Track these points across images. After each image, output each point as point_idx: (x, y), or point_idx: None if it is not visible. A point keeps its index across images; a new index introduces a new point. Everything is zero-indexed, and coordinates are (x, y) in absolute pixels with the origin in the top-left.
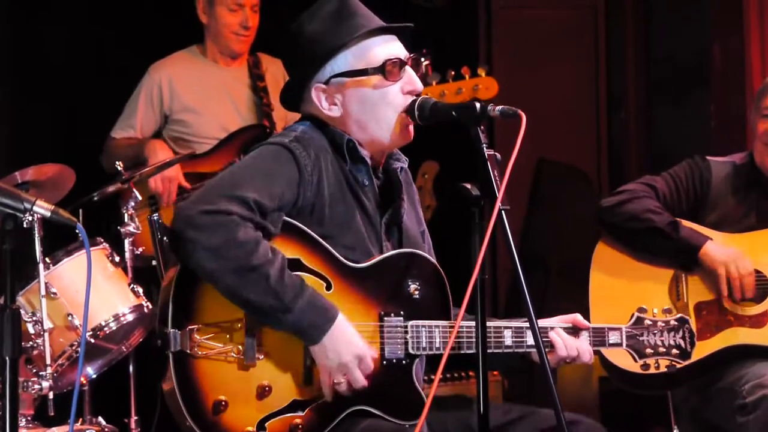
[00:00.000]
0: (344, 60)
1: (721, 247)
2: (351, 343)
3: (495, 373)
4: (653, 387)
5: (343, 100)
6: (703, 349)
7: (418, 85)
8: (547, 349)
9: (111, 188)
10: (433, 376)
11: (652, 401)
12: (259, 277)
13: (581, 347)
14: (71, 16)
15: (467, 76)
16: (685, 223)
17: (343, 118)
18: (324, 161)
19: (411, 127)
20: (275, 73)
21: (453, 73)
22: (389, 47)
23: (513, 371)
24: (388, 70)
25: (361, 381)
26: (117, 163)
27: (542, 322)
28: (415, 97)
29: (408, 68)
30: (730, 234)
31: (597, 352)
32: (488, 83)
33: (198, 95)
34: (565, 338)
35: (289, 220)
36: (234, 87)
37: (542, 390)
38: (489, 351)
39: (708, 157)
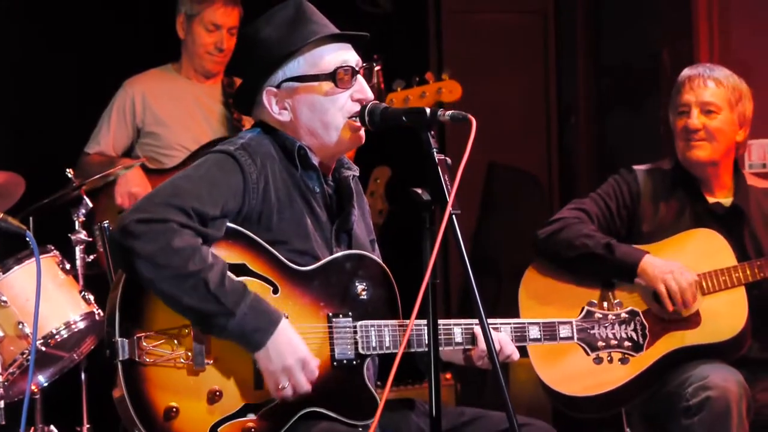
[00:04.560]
0: (296, 65)
1: (659, 261)
2: (295, 347)
3: (448, 376)
4: (600, 409)
5: (293, 105)
6: (644, 360)
7: (369, 94)
8: (469, 346)
9: (60, 195)
10: (386, 382)
11: None
12: (197, 282)
13: (502, 339)
14: (25, 19)
15: (431, 81)
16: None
17: (292, 123)
18: (271, 168)
19: (362, 132)
20: None
21: (417, 78)
22: (342, 55)
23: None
24: (339, 77)
25: (304, 386)
26: (67, 170)
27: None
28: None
29: (359, 76)
30: (663, 241)
31: (542, 384)
32: (451, 86)
33: (170, 109)
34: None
35: (233, 225)
36: (206, 102)
37: (494, 394)
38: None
39: (634, 167)
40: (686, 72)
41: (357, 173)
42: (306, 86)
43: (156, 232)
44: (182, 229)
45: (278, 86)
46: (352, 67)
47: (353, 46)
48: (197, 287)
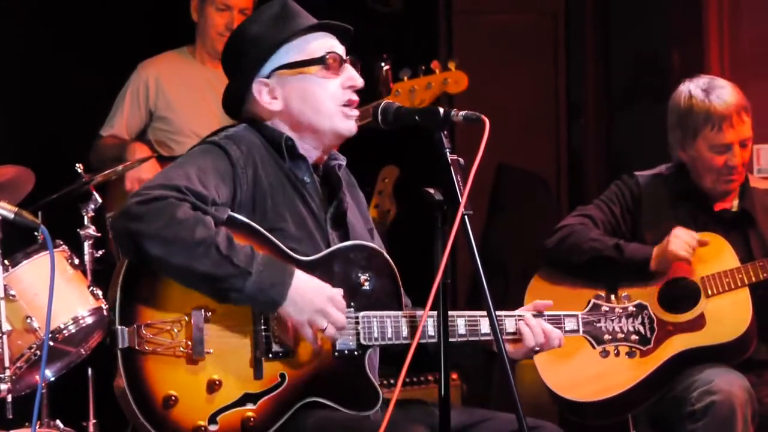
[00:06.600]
0: (285, 54)
1: (661, 244)
2: (318, 288)
3: (454, 376)
4: (606, 415)
5: (284, 93)
6: (650, 364)
7: (359, 81)
8: (512, 337)
9: (70, 190)
10: (393, 380)
11: None
12: (208, 248)
13: (546, 328)
14: (31, 11)
15: (437, 71)
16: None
17: (284, 113)
18: (258, 156)
19: (353, 121)
20: None
21: (423, 67)
22: (329, 43)
23: (473, 367)
24: (328, 62)
25: (342, 319)
26: (77, 165)
27: (506, 312)
28: (377, 102)
29: (348, 65)
30: None
31: (548, 390)
32: (457, 77)
33: (183, 94)
34: (533, 325)
35: (235, 215)
36: (218, 87)
37: (500, 394)
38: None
39: (636, 173)
40: (719, 105)
41: (343, 162)
42: (296, 72)
43: (157, 208)
44: (181, 202)
45: (268, 76)
46: (340, 55)
47: (342, 42)
48: (209, 253)
